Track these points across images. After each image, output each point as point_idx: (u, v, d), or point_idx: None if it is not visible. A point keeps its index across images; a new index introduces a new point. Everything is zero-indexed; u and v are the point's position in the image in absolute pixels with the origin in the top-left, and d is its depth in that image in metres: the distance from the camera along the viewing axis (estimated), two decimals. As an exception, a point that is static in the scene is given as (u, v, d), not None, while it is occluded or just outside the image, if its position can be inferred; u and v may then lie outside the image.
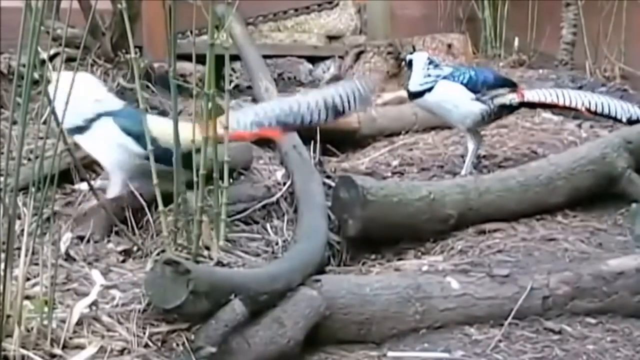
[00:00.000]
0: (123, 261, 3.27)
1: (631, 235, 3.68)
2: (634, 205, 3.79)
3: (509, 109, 4.36)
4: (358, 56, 6.09)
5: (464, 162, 4.37)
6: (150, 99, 4.67)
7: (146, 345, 2.68)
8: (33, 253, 2.67)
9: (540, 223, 3.78)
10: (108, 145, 3.50)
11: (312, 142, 4.45)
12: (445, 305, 3.12)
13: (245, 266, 3.32)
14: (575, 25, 5.70)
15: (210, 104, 3.35)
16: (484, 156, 4.52)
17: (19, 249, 2.65)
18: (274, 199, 3.85)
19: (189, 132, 3.29)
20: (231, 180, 3.56)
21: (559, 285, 3.18)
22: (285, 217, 3.80)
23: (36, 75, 2.80)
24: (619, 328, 3.11)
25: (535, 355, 2.97)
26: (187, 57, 3.74)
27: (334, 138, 4.72)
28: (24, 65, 2.71)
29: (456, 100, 4.28)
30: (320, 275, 3.18)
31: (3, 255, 2.49)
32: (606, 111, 4.27)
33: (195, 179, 3.27)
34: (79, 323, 2.69)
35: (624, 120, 4.28)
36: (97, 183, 3.68)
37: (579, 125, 4.86)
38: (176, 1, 3.25)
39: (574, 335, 3.06)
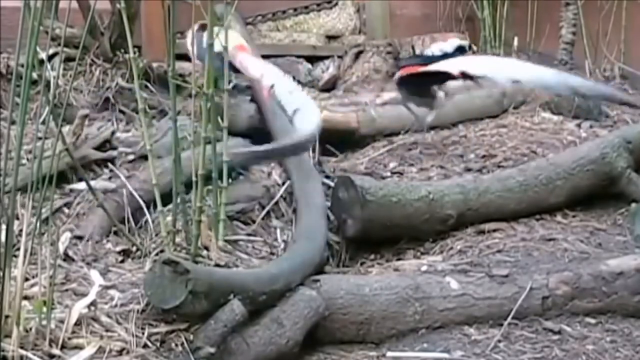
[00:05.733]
0: (122, 261, 3.27)
1: (631, 235, 3.67)
2: (633, 205, 3.79)
3: None
4: (357, 56, 6.08)
5: (463, 161, 4.36)
6: (149, 98, 4.66)
7: (145, 346, 2.68)
8: (32, 253, 2.67)
9: (539, 223, 3.78)
10: None
11: (311, 142, 4.44)
12: (444, 306, 3.12)
13: (244, 266, 3.31)
14: (574, 25, 5.67)
15: (209, 104, 3.34)
16: (484, 156, 4.51)
17: (18, 249, 2.64)
18: (274, 200, 3.85)
19: None
20: (230, 180, 3.55)
21: (559, 285, 3.18)
22: (285, 218, 3.79)
23: (35, 75, 2.80)
24: (618, 328, 3.11)
25: (535, 355, 2.96)
26: (186, 57, 3.74)
27: (333, 138, 4.70)
28: (22, 65, 2.71)
29: None
30: (319, 276, 3.18)
31: (2, 256, 2.48)
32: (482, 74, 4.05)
33: (194, 178, 3.26)
34: (78, 323, 2.69)
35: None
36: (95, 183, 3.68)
37: (579, 125, 4.85)
38: (175, 1, 3.25)
39: (573, 336, 3.06)
